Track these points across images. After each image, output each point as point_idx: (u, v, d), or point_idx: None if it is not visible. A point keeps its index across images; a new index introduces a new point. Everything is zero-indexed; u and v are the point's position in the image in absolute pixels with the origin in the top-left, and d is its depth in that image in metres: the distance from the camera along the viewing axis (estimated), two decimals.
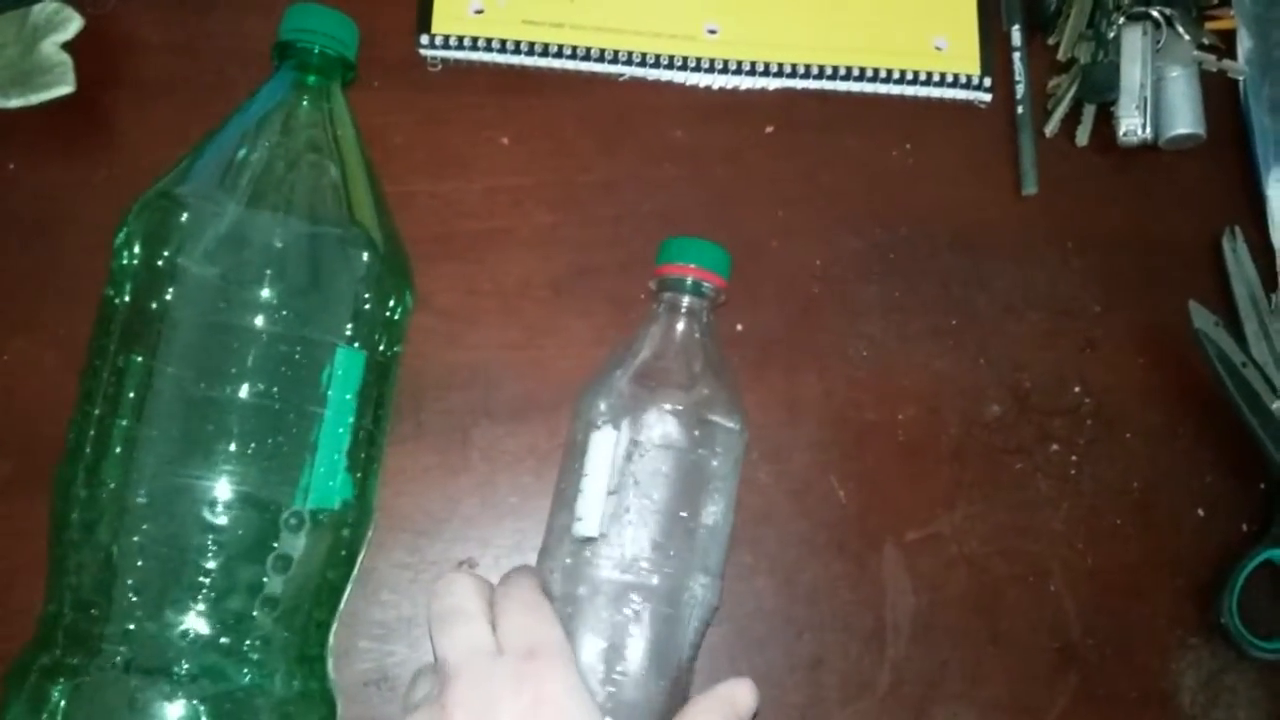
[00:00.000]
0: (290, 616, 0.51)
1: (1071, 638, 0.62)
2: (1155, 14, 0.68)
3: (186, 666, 0.48)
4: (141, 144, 0.62)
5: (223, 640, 0.49)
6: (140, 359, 0.50)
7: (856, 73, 0.67)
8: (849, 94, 0.68)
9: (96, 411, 0.50)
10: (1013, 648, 0.61)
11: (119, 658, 0.47)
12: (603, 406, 0.55)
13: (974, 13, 0.70)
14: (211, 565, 0.48)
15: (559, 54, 0.65)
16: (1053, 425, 0.65)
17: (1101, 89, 0.68)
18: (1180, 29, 0.68)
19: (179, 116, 0.61)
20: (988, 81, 0.69)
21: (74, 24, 0.60)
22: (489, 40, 0.65)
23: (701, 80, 0.67)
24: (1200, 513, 0.64)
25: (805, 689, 0.59)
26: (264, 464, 0.50)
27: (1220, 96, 0.70)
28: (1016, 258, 0.67)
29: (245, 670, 0.49)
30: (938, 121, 0.68)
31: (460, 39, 0.65)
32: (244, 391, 0.49)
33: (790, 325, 0.64)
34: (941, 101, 0.69)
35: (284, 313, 0.51)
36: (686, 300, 0.58)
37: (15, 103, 0.58)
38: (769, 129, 0.67)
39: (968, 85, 0.68)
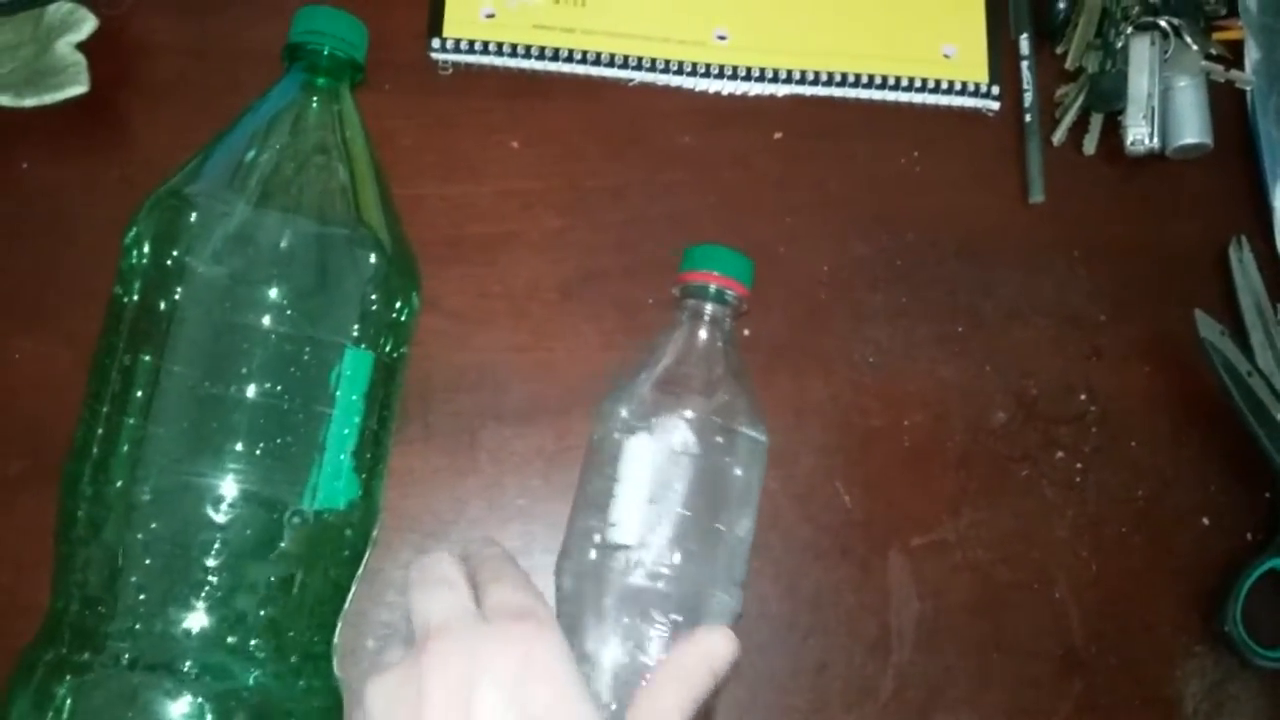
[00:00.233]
0: (295, 615, 0.51)
1: (1075, 644, 0.62)
2: (1163, 24, 0.68)
3: (191, 664, 0.48)
4: (154, 144, 0.62)
5: (228, 639, 0.49)
6: (148, 358, 0.50)
7: (865, 80, 0.68)
8: (857, 101, 0.68)
9: (105, 410, 0.50)
10: (1017, 654, 0.61)
11: (124, 655, 0.48)
12: (625, 412, 0.55)
13: (982, 21, 0.70)
14: (217, 563, 0.49)
15: (569, 59, 0.66)
16: (1058, 433, 0.65)
17: (1109, 98, 0.68)
18: (1188, 39, 0.68)
19: (191, 117, 0.61)
20: (996, 90, 0.69)
21: (88, 24, 0.60)
22: (500, 44, 0.65)
23: (710, 86, 0.67)
24: (1205, 521, 0.65)
25: (809, 694, 0.60)
26: (270, 463, 0.50)
27: (1227, 107, 0.70)
28: (1023, 265, 0.67)
29: (250, 668, 0.49)
30: (945, 129, 0.69)
31: (471, 43, 0.65)
32: (251, 391, 0.50)
33: (797, 331, 0.64)
34: (949, 109, 0.69)
35: (291, 313, 0.51)
36: (709, 308, 0.58)
37: (30, 102, 0.59)
38: (777, 135, 0.67)
39: (976, 93, 0.69)
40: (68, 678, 0.48)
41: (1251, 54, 0.71)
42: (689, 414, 0.55)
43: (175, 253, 0.51)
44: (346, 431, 0.52)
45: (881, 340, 0.64)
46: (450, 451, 0.60)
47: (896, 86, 0.68)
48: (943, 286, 0.66)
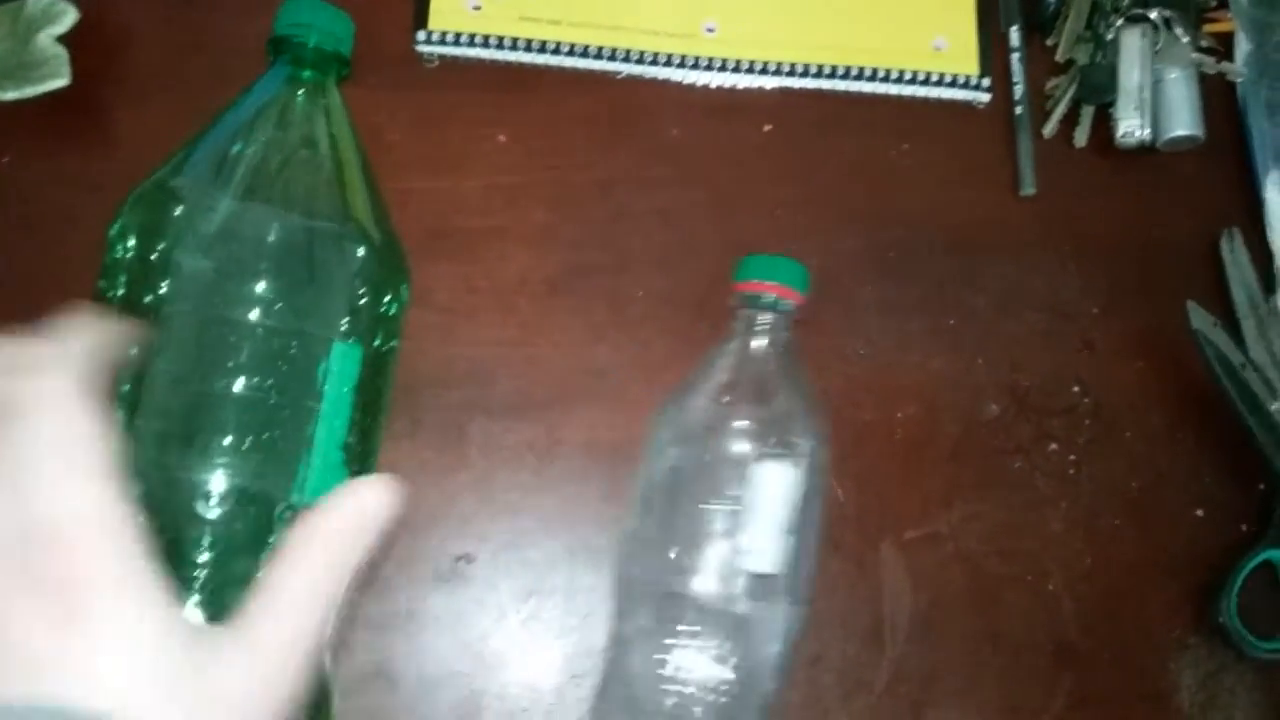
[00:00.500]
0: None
1: (1069, 637, 0.62)
2: (1153, 16, 0.68)
3: None
4: (137, 137, 0.61)
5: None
6: (134, 351, 0.49)
7: (855, 72, 0.67)
8: (847, 93, 0.68)
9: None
10: (1010, 647, 0.61)
11: None
12: (684, 425, 0.56)
13: (973, 13, 0.69)
14: (207, 559, 0.48)
15: (556, 51, 0.65)
16: (1051, 425, 0.64)
17: (1100, 90, 0.68)
18: (1178, 31, 0.68)
19: (175, 110, 0.60)
20: (986, 82, 0.68)
21: (69, 16, 0.59)
22: (486, 37, 0.65)
23: (699, 79, 0.67)
24: (1199, 513, 0.64)
25: (803, 687, 0.59)
26: (260, 458, 0.49)
27: (1218, 99, 0.70)
28: (1014, 258, 0.67)
29: None
30: (936, 122, 0.68)
31: (457, 35, 0.65)
32: (239, 386, 0.49)
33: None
34: (940, 102, 0.68)
35: (279, 307, 0.50)
36: (766, 317, 0.58)
37: (10, 95, 0.58)
38: (767, 128, 0.67)
39: (966, 85, 0.68)
40: None
41: (1242, 46, 0.71)
42: (749, 424, 0.55)
43: (161, 246, 0.50)
44: (336, 426, 0.51)
45: (872, 334, 0.64)
46: (438, 446, 0.60)
47: (887, 79, 0.68)
48: (934, 279, 0.66)
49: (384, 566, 0.58)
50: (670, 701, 0.53)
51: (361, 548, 0.39)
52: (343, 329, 0.52)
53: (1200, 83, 0.68)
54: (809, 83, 0.67)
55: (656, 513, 0.56)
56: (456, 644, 0.58)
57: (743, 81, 0.67)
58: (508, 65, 0.65)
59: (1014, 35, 0.69)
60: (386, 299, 0.55)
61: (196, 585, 0.48)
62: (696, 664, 0.53)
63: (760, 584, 0.53)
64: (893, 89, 0.68)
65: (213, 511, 0.48)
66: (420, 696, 0.57)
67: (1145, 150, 0.68)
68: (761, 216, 0.65)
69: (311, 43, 0.55)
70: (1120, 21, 0.68)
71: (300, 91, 0.55)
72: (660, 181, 0.65)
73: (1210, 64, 0.69)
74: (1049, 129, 0.68)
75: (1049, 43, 0.70)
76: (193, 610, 0.47)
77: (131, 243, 0.51)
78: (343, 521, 0.39)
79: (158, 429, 0.49)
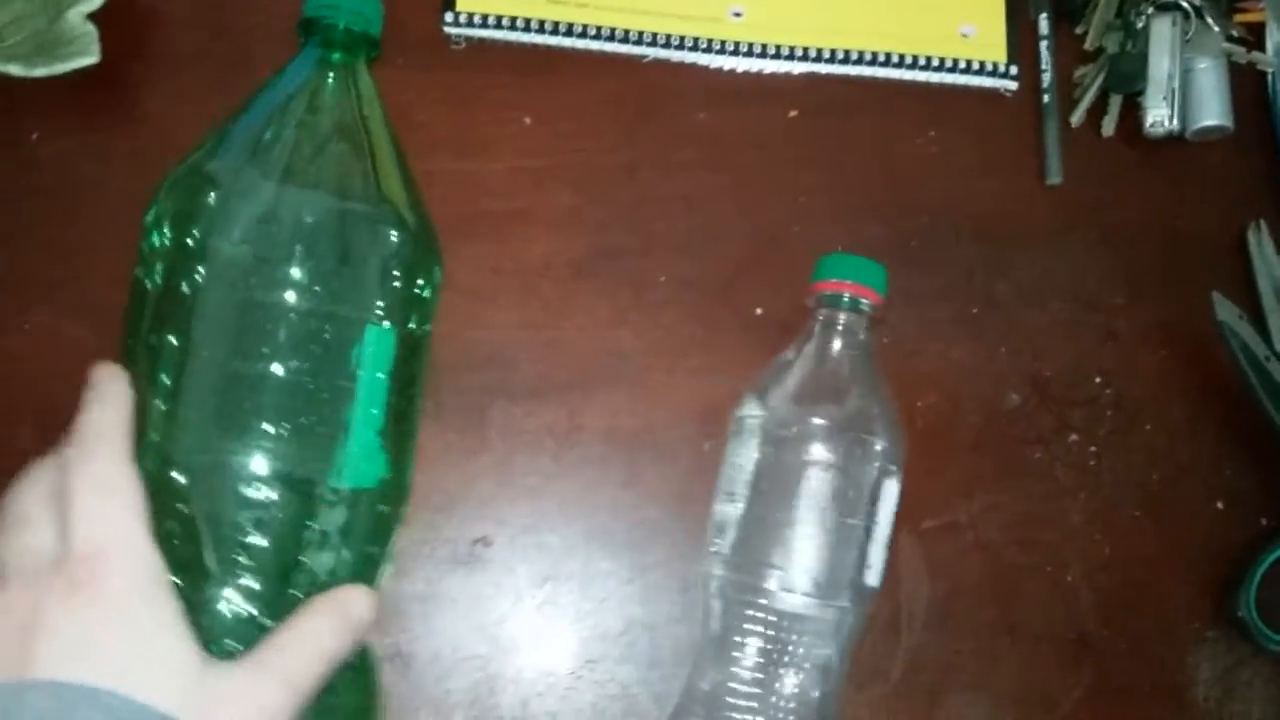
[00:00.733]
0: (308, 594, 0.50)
1: (1087, 629, 0.62)
2: (1184, 5, 0.67)
3: (227, 643, 0.47)
4: (165, 116, 0.62)
5: (263, 619, 0.48)
6: (173, 339, 0.49)
7: (882, 58, 0.67)
8: (874, 79, 0.67)
9: (133, 394, 0.50)
10: (1028, 638, 0.61)
11: None
12: (777, 428, 0.56)
13: (1001, 0, 0.69)
14: (251, 542, 0.48)
15: (583, 34, 0.65)
16: (1072, 416, 0.64)
17: (1129, 79, 0.67)
18: (1209, 20, 0.68)
19: (203, 89, 0.61)
20: (1014, 70, 0.68)
21: None
22: (513, 19, 0.65)
23: (725, 63, 0.67)
24: (1220, 506, 0.64)
25: None
26: (299, 441, 0.49)
27: (1248, 89, 0.69)
28: (1039, 247, 0.66)
29: None
30: (962, 109, 0.68)
31: (484, 17, 0.65)
32: (275, 369, 0.49)
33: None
34: (967, 89, 0.68)
35: (315, 290, 0.50)
36: (844, 317, 0.58)
37: (40, 72, 0.58)
38: (792, 113, 0.67)
39: (994, 73, 0.68)
40: None
41: (1273, 36, 0.70)
42: (825, 422, 0.55)
43: (197, 232, 0.50)
44: (372, 410, 0.51)
45: (895, 321, 0.64)
46: (460, 429, 0.60)
47: (914, 65, 0.67)
48: (957, 268, 0.65)
49: (401, 549, 0.58)
50: (750, 705, 0.53)
51: (353, 639, 0.47)
52: (378, 311, 0.52)
53: (1230, 73, 0.68)
54: (835, 68, 0.67)
55: (755, 516, 0.55)
56: (473, 627, 0.58)
57: (768, 66, 0.67)
58: (534, 48, 0.65)
59: (1043, 23, 0.69)
60: (420, 281, 0.54)
61: (241, 568, 0.48)
62: (788, 672, 0.53)
63: (860, 594, 0.54)
64: (919, 75, 0.67)
65: (255, 494, 0.48)
66: (436, 678, 0.57)
67: (1173, 140, 0.67)
68: (785, 202, 0.65)
69: (341, 24, 0.55)
70: (1151, 10, 0.67)
71: (331, 74, 0.55)
72: (685, 166, 0.65)
73: (1241, 54, 0.68)
74: (1076, 118, 0.68)
75: (1078, 31, 0.70)
76: (232, 593, 0.48)
77: (167, 229, 0.51)
78: (343, 610, 0.47)
79: (199, 414, 0.49)
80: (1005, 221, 0.67)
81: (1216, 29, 0.68)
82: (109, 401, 0.46)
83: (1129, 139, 0.68)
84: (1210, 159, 0.69)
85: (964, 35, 0.68)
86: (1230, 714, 0.62)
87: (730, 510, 0.55)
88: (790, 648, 0.53)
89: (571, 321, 0.62)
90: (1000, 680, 0.61)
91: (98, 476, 0.43)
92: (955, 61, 0.67)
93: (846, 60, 0.67)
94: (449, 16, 0.65)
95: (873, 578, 0.55)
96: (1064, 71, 0.69)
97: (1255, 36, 0.70)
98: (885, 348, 0.63)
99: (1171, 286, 0.66)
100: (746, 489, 0.55)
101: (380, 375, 0.52)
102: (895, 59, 0.67)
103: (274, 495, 0.49)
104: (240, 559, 0.48)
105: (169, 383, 0.49)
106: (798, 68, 0.67)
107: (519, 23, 0.65)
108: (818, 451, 0.54)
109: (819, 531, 0.53)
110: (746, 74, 0.67)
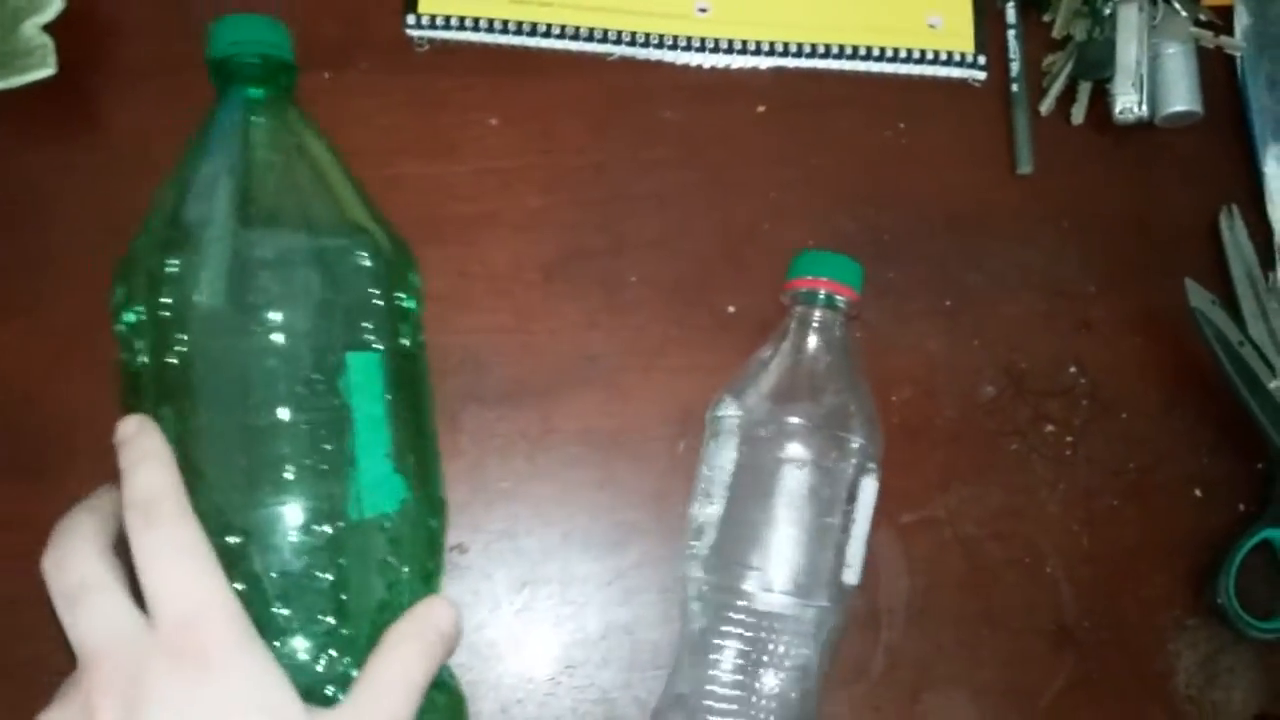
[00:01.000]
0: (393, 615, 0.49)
1: (1067, 620, 0.62)
2: None
3: (321, 691, 0.46)
4: (125, 127, 0.61)
5: (344, 658, 0.47)
6: (178, 411, 0.48)
7: (850, 51, 0.67)
8: (842, 73, 0.67)
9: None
10: (1008, 630, 0.61)
11: None
12: (743, 422, 0.55)
13: None
14: (315, 586, 0.47)
15: (547, 33, 0.65)
16: (1048, 406, 0.64)
17: (1097, 66, 0.67)
18: (1177, 5, 0.67)
19: (162, 99, 0.60)
20: (982, 60, 0.68)
21: (55, 5, 0.59)
22: (476, 20, 0.64)
23: (692, 60, 0.66)
24: (1197, 493, 0.64)
25: None
26: (308, 483, 0.48)
27: (1217, 73, 0.69)
28: (1011, 238, 0.66)
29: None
30: (932, 100, 0.68)
31: (447, 19, 0.64)
32: (284, 413, 0.48)
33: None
34: (935, 80, 0.68)
35: (299, 328, 0.49)
36: (820, 314, 0.58)
37: None
38: (761, 109, 0.66)
39: (962, 63, 0.68)
40: None
41: (1241, 19, 0.70)
42: (804, 422, 0.55)
43: (169, 301, 0.48)
44: (375, 436, 0.50)
45: (868, 316, 0.63)
46: None
47: (881, 57, 0.67)
48: (930, 261, 0.65)
49: None
50: (729, 706, 0.53)
51: (444, 653, 0.47)
52: (366, 335, 0.51)
53: (1199, 57, 0.68)
54: (803, 62, 0.66)
55: (731, 515, 0.55)
56: None
57: (736, 62, 0.66)
58: (498, 49, 0.65)
59: (1010, 11, 0.69)
60: (399, 294, 0.53)
61: (310, 612, 0.47)
62: (766, 671, 0.53)
63: (840, 592, 0.54)
64: (887, 68, 0.67)
65: (302, 538, 0.47)
66: None
67: (1143, 127, 0.67)
68: (756, 199, 0.65)
69: (253, 58, 0.53)
70: None
71: (255, 112, 0.53)
72: (654, 164, 0.65)
73: (1209, 38, 0.68)
74: (1046, 106, 0.68)
75: (1045, 19, 0.69)
76: (309, 641, 0.47)
77: (140, 306, 0.49)
78: (428, 629, 0.46)
79: (225, 476, 0.47)
80: (977, 212, 0.66)
81: (1184, 13, 0.67)
82: (155, 458, 0.44)
83: (1099, 126, 0.68)
84: (1180, 145, 0.68)
85: (931, 26, 0.68)
86: (1212, 701, 0.62)
87: (708, 511, 0.55)
88: (770, 648, 0.53)
89: (542, 324, 0.62)
90: (981, 673, 0.60)
91: (172, 541, 0.42)
92: (923, 53, 0.67)
93: (814, 54, 0.66)
94: (411, 19, 0.64)
95: (851, 576, 0.55)
96: (1032, 60, 0.69)
97: (1223, 20, 0.70)
98: (859, 342, 0.63)
99: (1144, 274, 0.66)
100: (724, 490, 0.55)
101: (373, 400, 0.50)
102: (863, 52, 0.67)
103: (319, 535, 0.47)
104: (308, 605, 0.47)
105: (187, 453, 0.47)
106: (765, 63, 0.66)
107: (482, 23, 0.64)
108: (795, 450, 0.54)
109: (797, 531, 0.53)
110: (714, 70, 0.66)
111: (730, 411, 0.56)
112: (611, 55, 0.65)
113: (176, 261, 0.49)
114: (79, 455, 0.55)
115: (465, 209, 0.63)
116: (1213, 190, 0.68)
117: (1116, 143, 0.68)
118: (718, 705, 0.53)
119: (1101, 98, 0.67)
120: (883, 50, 0.67)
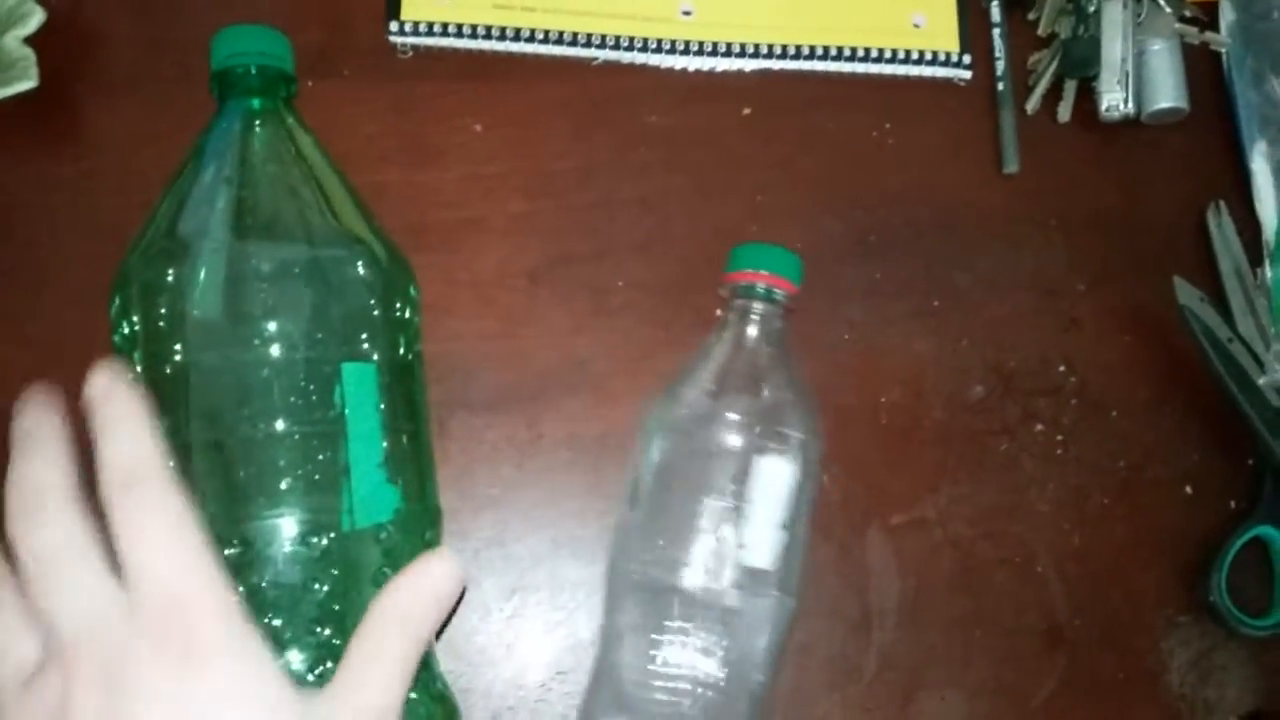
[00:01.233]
0: None
1: (1059, 619, 0.61)
2: None
3: None
4: (108, 139, 0.61)
5: (328, 670, 0.47)
6: (173, 421, 0.47)
7: (834, 52, 0.67)
8: (827, 74, 0.67)
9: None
10: (1000, 630, 0.61)
11: None
12: (676, 417, 0.55)
13: None
14: (311, 597, 0.47)
15: (531, 38, 0.64)
16: (1037, 405, 0.64)
17: (1082, 64, 0.67)
18: (1161, 2, 0.67)
19: (145, 111, 0.60)
20: (967, 59, 0.68)
21: (36, 17, 0.59)
22: (460, 26, 0.64)
23: (677, 63, 0.66)
24: (1188, 490, 0.64)
25: (791, 675, 0.59)
26: (303, 493, 0.48)
27: (1203, 69, 0.69)
28: (999, 237, 0.66)
29: None
30: (917, 100, 0.67)
31: (431, 25, 0.64)
32: (280, 424, 0.48)
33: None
34: (921, 80, 0.68)
35: (296, 339, 0.49)
36: (759, 307, 0.57)
37: None
38: (746, 111, 0.66)
39: (947, 63, 0.67)
40: None
41: (1226, 15, 0.70)
42: (738, 418, 0.54)
43: (166, 311, 0.49)
44: (369, 446, 0.50)
45: (856, 317, 0.63)
46: None
47: (866, 58, 0.67)
48: (917, 261, 0.65)
49: None
50: (660, 696, 0.52)
51: (436, 618, 0.42)
52: (363, 346, 0.51)
53: (1184, 54, 0.68)
54: (787, 64, 0.66)
55: (648, 505, 0.55)
56: (441, 642, 0.57)
57: (720, 65, 0.66)
58: (482, 54, 0.65)
59: (994, 10, 0.69)
60: (398, 304, 0.53)
61: (306, 623, 0.47)
62: (686, 658, 0.52)
63: (752, 577, 0.53)
64: (872, 68, 0.67)
65: (297, 549, 0.47)
66: None
67: (1130, 124, 0.67)
68: (743, 201, 0.65)
69: (253, 69, 0.53)
70: None
71: (256, 122, 0.53)
72: (639, 168, 0.65)
73: (1194, 34, 0.68)
74: (1032, 105, 0.68)
75: (1030, 17, 0.69)
76: (304, 654, 0.47)
77: (136, 316, 0.49)
78: (419, 595, 0.42)
79: (220, 487, 0.48)
80: (964, 212, 0.66)
81: (1169, 10, 0.67)
82: (134, 419, 0.40)
83: (1085, 124, 0.68)
84: (1167, 141, 0.68)
85: (916, 26, 0.68)
86: (1205, 699, 0.61)
87: (638, 502, 0.55)
88: (703, 637, 0.52)
89: (529, 330, 0.62)
90: (974, 674, 0.60)
91: (157, 510, 0.38)
92: (908, 53, 0.67)
93: (799, 56, 0.66)
94: (394, 25, 0.64)
95: (751, 559, 0.53)
96: (1017, 59, 0.69)
97: (1208, 16, 0.70)
98: (847, 343, 0.63)
99: (1132, 271, 0.66)
100: (652, 480, 0.55)
101: (368, 410, 0.50)
102: (847, 52, 0.67)
103: (314, 546, 0.47)
104: (303, 616, 0.47)
105: (184, 463, 0.46)
106: (750, 65, 0.66)
107: (465, 29, 0.64)
108: (732, 442, 0.54)
109: (706, 519, 0.53)
110: (698, 73, 0.66)
111: (668, 405, 0.56)
112: (596, 59, 0.65)
113: (173, 272, 0.49)
114: None
115: (450, 215, 0.63)
116: (1200, 187, 0.68)
117: (1103, 140, 0.68)
118: (654, 697, 0.52)
119: (1087, 95, 0.67)
120: (867, 51, 0.67)
